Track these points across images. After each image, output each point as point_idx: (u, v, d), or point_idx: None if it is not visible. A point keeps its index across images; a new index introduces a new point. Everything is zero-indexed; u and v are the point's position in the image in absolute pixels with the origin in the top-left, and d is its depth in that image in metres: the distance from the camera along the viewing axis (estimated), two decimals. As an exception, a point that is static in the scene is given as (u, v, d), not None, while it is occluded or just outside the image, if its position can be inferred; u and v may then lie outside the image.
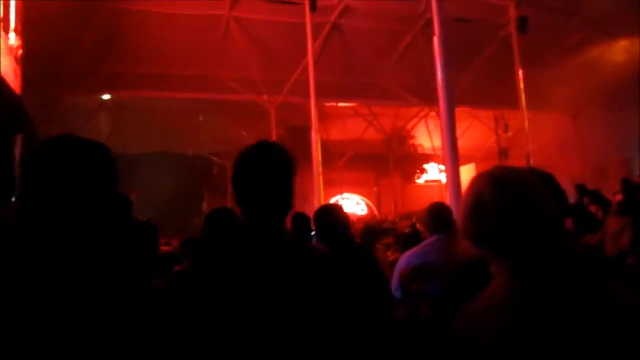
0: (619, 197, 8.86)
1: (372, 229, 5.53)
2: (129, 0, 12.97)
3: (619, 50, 16.25)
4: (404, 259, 3.91)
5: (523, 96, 13.12)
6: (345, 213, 3.21)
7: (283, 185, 1.70)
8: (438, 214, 3.48)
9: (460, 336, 1.32)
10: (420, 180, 24.16)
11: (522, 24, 13.39)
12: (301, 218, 3.48)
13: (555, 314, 1.27)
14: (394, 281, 3.79)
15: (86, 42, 12.88)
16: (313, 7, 12.54)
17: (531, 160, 12.88)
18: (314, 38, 13.00)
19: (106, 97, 16.03)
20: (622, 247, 5.42)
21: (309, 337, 1.51)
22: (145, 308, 1.33)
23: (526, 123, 13.18)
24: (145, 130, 17.78)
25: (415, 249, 3.85)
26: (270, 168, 1.68)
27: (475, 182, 1.44)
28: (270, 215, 1.68)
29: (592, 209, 8.55)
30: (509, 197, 1.36)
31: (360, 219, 22.07)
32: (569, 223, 7.90)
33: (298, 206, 3.65)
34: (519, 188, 1.37)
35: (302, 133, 15.81)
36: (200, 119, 18.21)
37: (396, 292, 3.70)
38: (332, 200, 23.69)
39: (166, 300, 1.49)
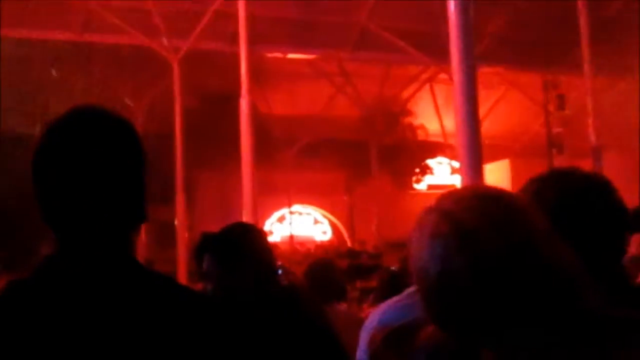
0: None
1: (325, 267, 5.55)
2: None
3: None
4: (377, 316, 3.97)
5: (588, 52, 13.41)
6: (266, 240, 3.22)
7: (119, 180, 1.70)
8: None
9: None
10: (422, 185, 24.38)
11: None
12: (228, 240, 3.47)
13: None
14: (360, 352, 3.87)
15: None
16: None
17: (601, 157, 13.17)
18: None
19: None
20: None
21: None
22: None
23: (590, 99, 13.47)
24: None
25: (393, 300, 3.92)
26: (95, 154, 1.69)
27: (435, 235, 1.45)
28: (97, 235, 1.68)
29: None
30: (494, 265, 1.39)
31: (320, 246, 22.11)
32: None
33: (215, 225, 3.61)
34: (508, 246, 1.40)
35: (224, 102, 15.69)
36: (54, 74, 17.91)
37: (364, 373, 3.77)
38: (276, 216, 23.68)
39: None
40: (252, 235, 3.18)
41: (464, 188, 1.63)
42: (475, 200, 1.46)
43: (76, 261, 1.66)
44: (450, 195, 1.53)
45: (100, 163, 1.67)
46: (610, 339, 1.41)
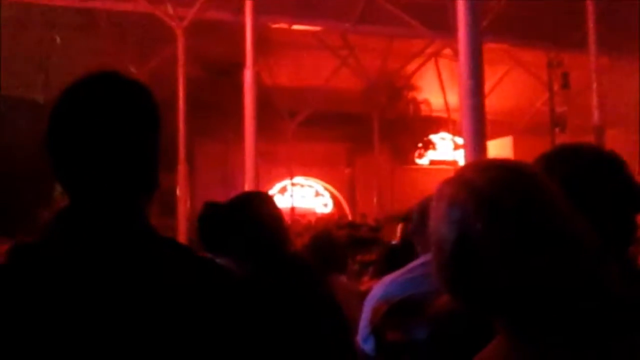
0: None
1: (328, 238, 5.56)
2: None
3: None
4: (380, 289, 3.98)
5: (593, 30, 13.34)
6: (277, 208, 3.22)
7: (131, 145, 1.71)
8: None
9: None
10: (424, 160, 24.32)
11: None
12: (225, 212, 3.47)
13: None
14: (363, 325, 3.88)
15: None
16: None
17: (604, 136, 13.12)
18: None
19: None
20: None
21: None
22: None
23: (594, 78, 13.41)
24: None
25: (396, 274, 3.93)
26: (109, 117, 1.69)
27: (453, 202, 1.46)
28: (108, 199, 1.69)
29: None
30: (512, 231, 1.40)
31: (321, 219, 22.11)
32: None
33: (215, 195, 3.63)
34: (526, 211, 1.41)
35: (228, 72, 15.59)
36: (57, 40, 17.83)
37: (365, 344, 3.78)
38: (278, 187, 23.67)
39: None
40: (264, 202, 3.18)
41: (482, 160, 1.63)
42: (494, 170, 1.48)
43: (87, 223, 1.67)
44: (469, 167, 1.55)
45: (118, 126, 1.68)
46: (614, 339, 1.42)
